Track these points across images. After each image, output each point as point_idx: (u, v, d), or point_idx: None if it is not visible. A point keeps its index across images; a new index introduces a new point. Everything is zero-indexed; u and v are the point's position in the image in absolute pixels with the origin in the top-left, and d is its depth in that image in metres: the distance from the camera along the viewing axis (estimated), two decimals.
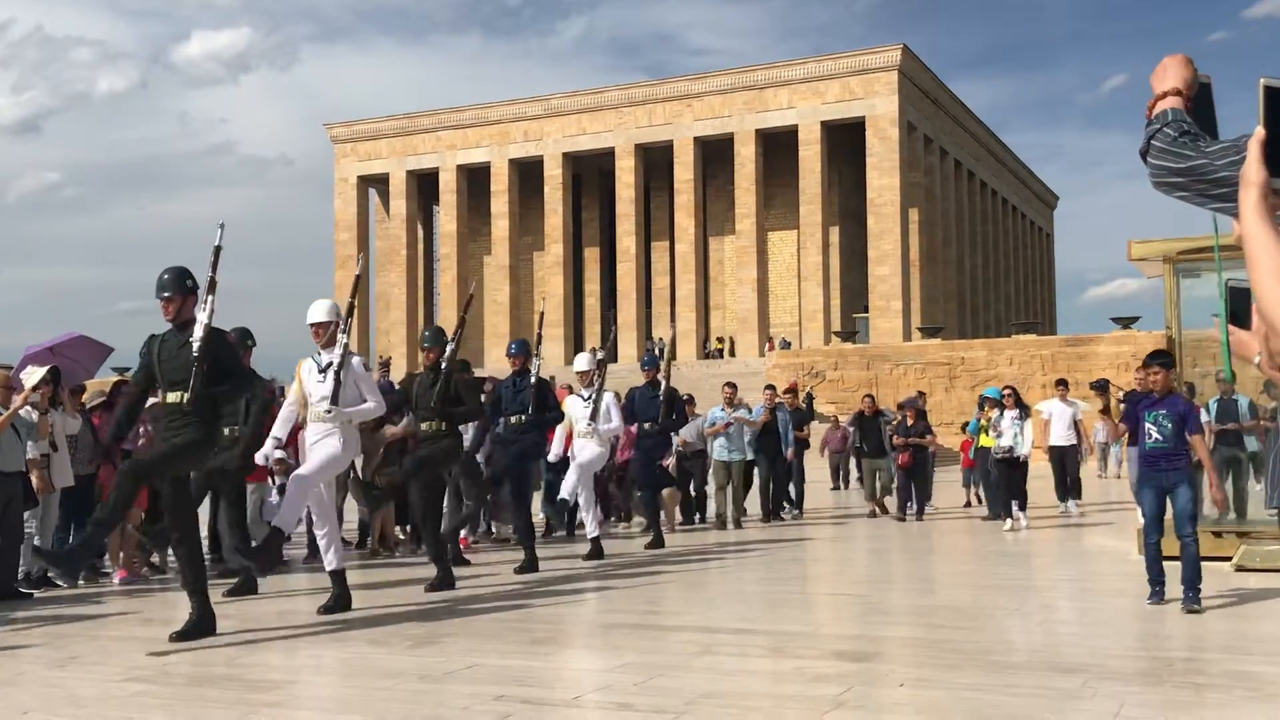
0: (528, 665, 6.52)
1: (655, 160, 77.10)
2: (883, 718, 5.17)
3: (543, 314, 14.62)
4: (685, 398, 17.68)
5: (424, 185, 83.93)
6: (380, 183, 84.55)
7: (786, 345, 65.12)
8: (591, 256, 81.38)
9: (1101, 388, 15.95)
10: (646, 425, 14.28)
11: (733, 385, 17.94)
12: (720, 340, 75.64)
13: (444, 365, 10.52)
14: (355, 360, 9.05)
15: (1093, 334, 49.36)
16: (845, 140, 73.18)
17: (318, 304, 9.17)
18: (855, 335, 60.57)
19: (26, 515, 10.77)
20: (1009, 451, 15.75)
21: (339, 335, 9.02)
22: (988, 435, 17.09)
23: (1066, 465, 18.13)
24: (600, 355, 13.53)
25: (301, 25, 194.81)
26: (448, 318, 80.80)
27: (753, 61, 74.23)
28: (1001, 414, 15.96)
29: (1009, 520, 15.42)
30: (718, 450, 17.07)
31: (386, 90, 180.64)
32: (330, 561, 8.92)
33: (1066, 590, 10.06)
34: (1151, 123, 2.54)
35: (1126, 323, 49.61)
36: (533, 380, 11.95)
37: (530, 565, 11.20)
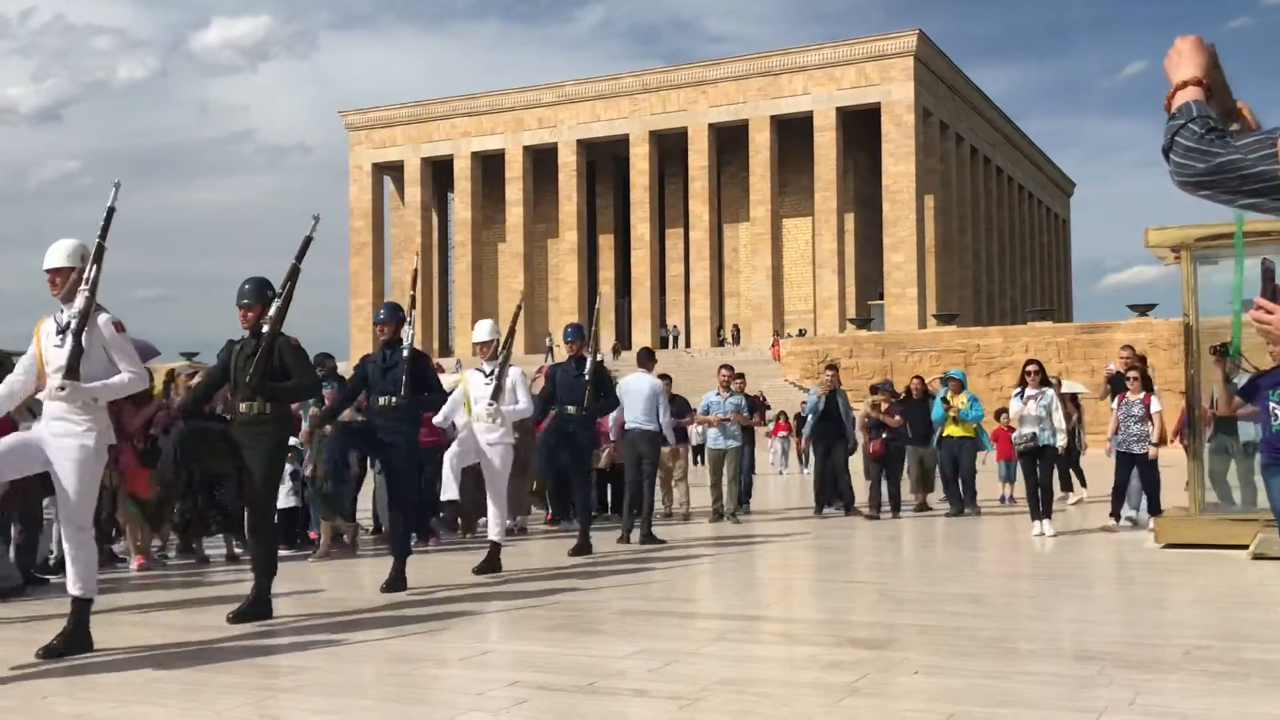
0: (542, 651, 6.54)
1: (670, 147, 76.98)
2: (897, 705, 5.17)
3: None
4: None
5: (439, 172, 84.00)
6: (395, 170, 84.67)
7: (801, 333, 64.96)
8: (606, 244, 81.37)
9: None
10: (571, 409, 11.99)
11: (729, 368, 16.85)
12: (734, 328, 75.53)
13: (265, 328, 7.93)
14: (103, 319, 6.71)
15: (1109, 321, 49.21)
16: (860, 126, 72.94)
17: (55, 246, 6.87)
18: (870, 322, 60.45)
19: (45, 502, 10.85)
20: (1031, 440, 13.31)
21: (81, 288, 6.71)
22: (955, 423, 15.90)
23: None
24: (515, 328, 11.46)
25: (321, 12, 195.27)
26: (462, 306, 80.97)
27: (770, 48, 73.89)
28: (1021, 394, 13.51)
29: (1036, 524, 13.20)
30: (711, 438, 16.29)
31: (405, 77, 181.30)
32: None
33: (1081, 578, 10.04)
34: (1174, 117, 2.41)
35: (1143, 310, 49.44)
36: (405, 352, 9.62)
37: (395, 582, 9.16)
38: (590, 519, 12.25)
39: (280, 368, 7.94)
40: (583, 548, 11.70)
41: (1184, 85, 2.45)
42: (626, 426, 13.60)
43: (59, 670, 6.22)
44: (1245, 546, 10.85)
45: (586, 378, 12.03)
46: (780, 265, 73.63)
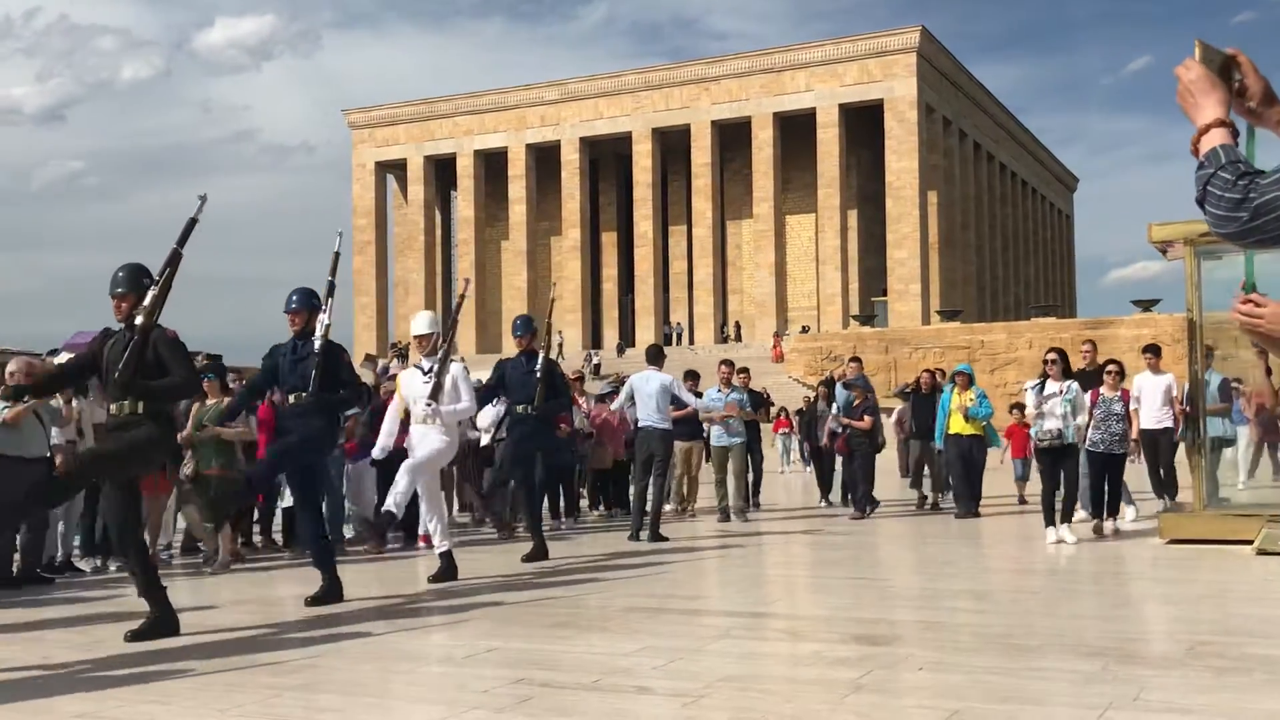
0: (547, 649, 6.55)
1: (672, 144, 76.93)
2: (901, 701, 5.17)
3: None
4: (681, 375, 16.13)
5: (441, 171, 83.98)
6: (398, 169, 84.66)
7: (805, 330, 64.92)
8: (609, 241, 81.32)
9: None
10: (520, 408, 11.31)
11: (729, 364, 16.44)
12: (736, 325, 75.51)
13: (139, 320, 7.28)
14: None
15: (1113, 316, 49.17)
16: (863, 123, 72.86)
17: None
18: (874, 319, 60.44)
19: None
20: (1056, 437, 12.11)
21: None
22: (965, 419, 15.21)
23: (1160, 453, 14.36)
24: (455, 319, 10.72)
25: (324, 11, 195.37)
26: (467, 305, 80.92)
27: (773, 45, 73.86)
28: (1042, 387, 12.40)
29: (1051, 530, 12.10)
30: (715, 435, 15.88)
31: (409, 76, 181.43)
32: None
33: (1086, 573, 10.04)
34: (1202, 165, 2.29)
35: (1147, 305, 49.41)
36: (317, 344, 8.68)
37: (327, 594, 8.49)
38: (541, 523, 11.63)
39: (155, 363, 7.19)
40: (538, 553, 11.01)
41: (1207, 129, 2.34)
42: (639, 424, 13.49)
43: (64, 670, 6.24)
44: (1249, 542, 10.84)
45: (537, 374, 11.30)
46: (784, 262, 73.57)
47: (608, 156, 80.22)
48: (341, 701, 5.38)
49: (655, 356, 13.94)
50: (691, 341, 73.70)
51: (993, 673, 5.67)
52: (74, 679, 5.95)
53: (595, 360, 56.02)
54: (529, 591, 8.97)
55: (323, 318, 8.68)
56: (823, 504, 17.85)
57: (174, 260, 7.32)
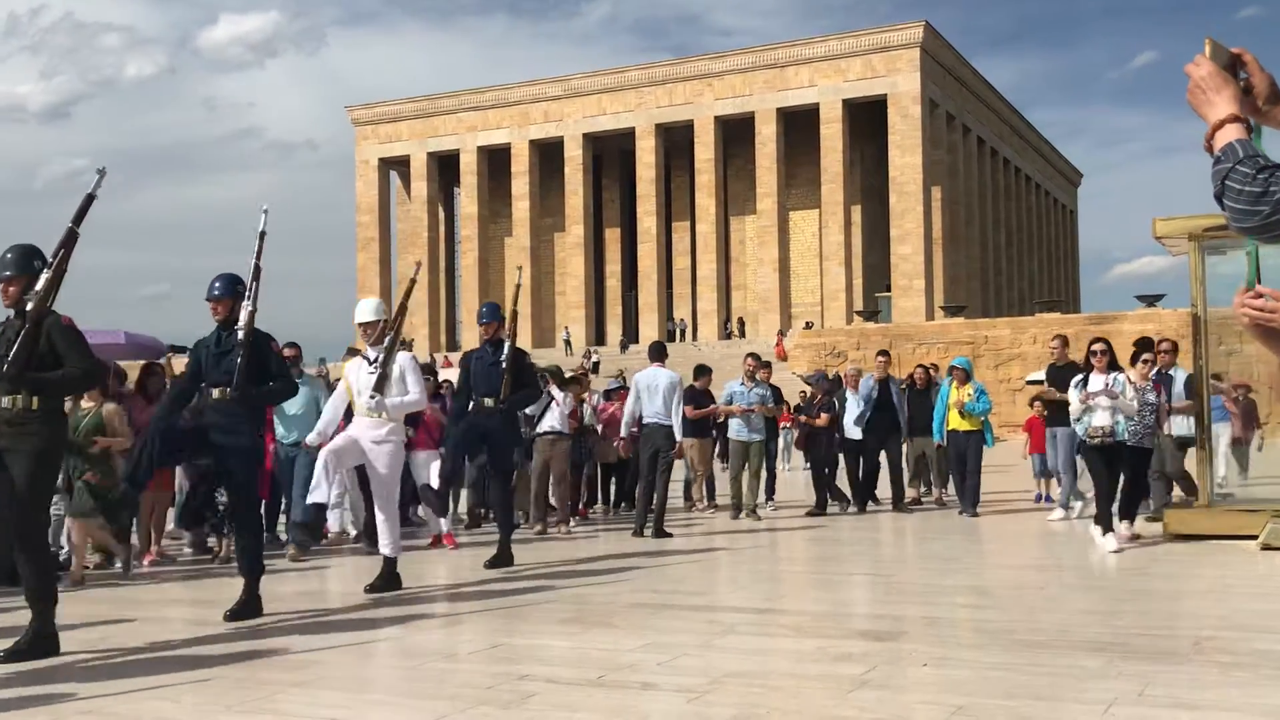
0: (551, 645, 6.55)
1: (676, 140, 76.89)
2: (906, 697, 5.17)
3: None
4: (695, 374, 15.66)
5: (445, 167, 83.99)
6: (401, 165, 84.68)
7: (809, 326, 64.91)
8: (612, 237, 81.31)
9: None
10: (488, 401, 10.52)
11: (755, 357, 15.84)
12: (739, 320, 75.49)
13: (30, 306, 6.66)
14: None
15: (1117, 311, 49.12)
16: (867, 118, 72.80)
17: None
18: (877, 315, 60.34)
19: (55, 499, 10.89)
20: (1108, 434, 11.08)
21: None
22: (963, 415, 14.76)
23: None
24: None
25: (328, 8, 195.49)
26: (469, 300, 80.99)
27: (778, 40, 73.78)
28: (1086, 381, 11.36)
29: (1111, 537, 10.99)
30: (734, 429, 15.27)
31: (412, 73, 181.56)
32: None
33: (1090, 569, 10.03)
34: (1219, 160, 2.28)
35: (1151, 300, 49.34)
36: (240, 334, 7.93)
37: (244, 609, 7.75)
38: (512, 526, 10.86)
39: (49, 354, 6.63)
40: (502, 559, 10.32)
41: (1221, 125, 2.33)
42: (645, 421, 13.39)
43: (69, 666, 6.24)
44: (1254, 537, 10.82)
45: (503, 365, 10.58)
46: (787, 258, 73.53)
47: (611, 152, 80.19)
48: (345, 698, 5.39)
49: (659, 353, 13.93)
50: (695, 338, 73.70)
51: (998, 668, 5.67)
52: (77, 675, 5.96)
53: (595, 358, 55.96)
54: (533, 587, 8.97)
55: (246, 304, 7.91)
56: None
57: (70, 240, 6.77)
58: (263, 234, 8.15)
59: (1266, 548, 10.50)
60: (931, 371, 17.57)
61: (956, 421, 14.88)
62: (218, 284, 8.07)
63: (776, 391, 16.92)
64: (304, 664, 6.18)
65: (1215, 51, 2.43)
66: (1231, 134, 2.30)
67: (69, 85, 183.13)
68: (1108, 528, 11.00)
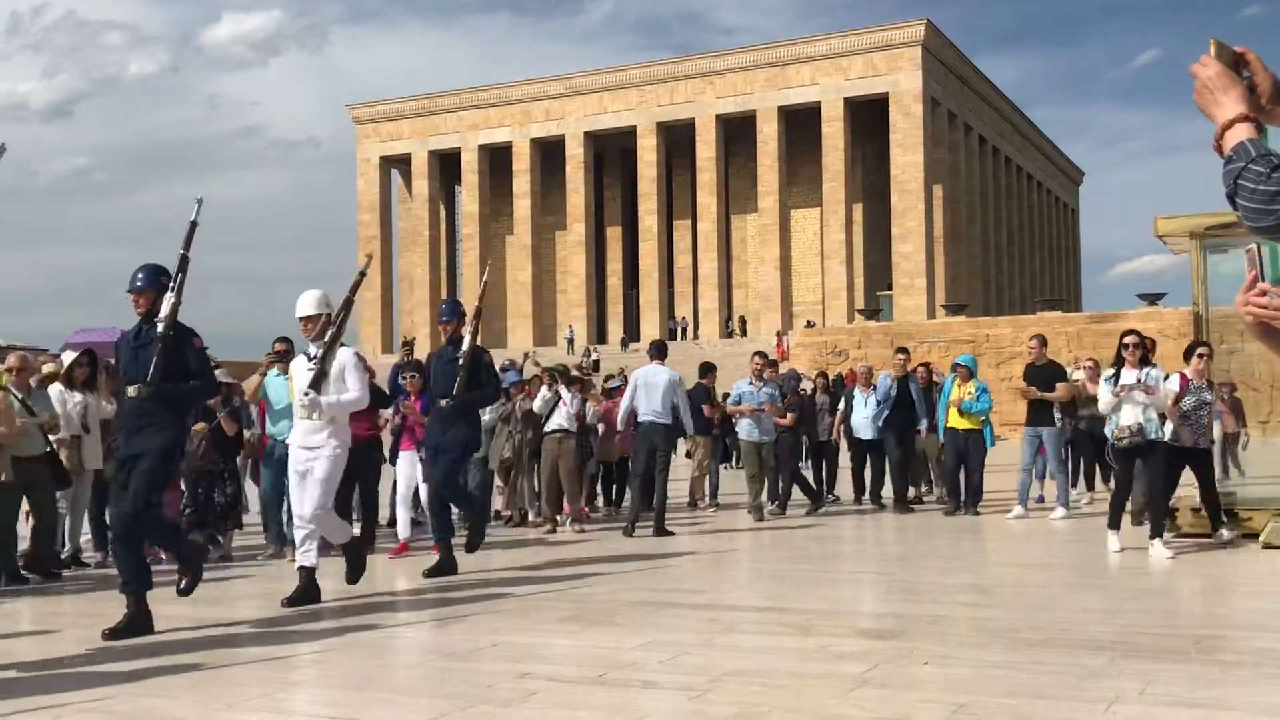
0: (553, 643, 6.55)
1: (677, 138, 76.86)
2: (908, 695, 5.16)
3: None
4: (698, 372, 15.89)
5: (446, 165, 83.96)
6: (402, 163, 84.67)
7: (810, 324, 64.90)
8: (613, 236, 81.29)
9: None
10: (443, 401, 9.98)
11: (763, 355, 15.48)
12: (740, 319, 75.48)
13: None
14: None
15: (1118, 310, 49.11)
16: (868, 117, 72.76)
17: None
18: (879, 313, 60.28)
19: (59, 495, 10.93)
20: (1136, 434, 10.29)
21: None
22: (961, 414, 14.52)
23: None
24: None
25: (331, 6, 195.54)
26: (470, 299, 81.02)
27: (781, 39, 73.74)
28: (1117, 377, 10.54)
29: (1113, 536, 10.49)
30: (744, 430, 14.89)
31: (415, 72, 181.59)
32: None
33: (1091, 568, 10.02)
34: (1230, 160, 2.25)
35: (1153, 299, 49.30)
36: (159, 329, 7.54)
37: (126, 628, 7.17)
38: (452, 533, 10.11)
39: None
40: (444, 567, 9.69)
41: (1231, 124, 2.30)
42: (641, 418, 13.36)
43: (71, 663, 6.25)
44: (1256, 536, 10.82)
45: (460, 363, 9.97)
46: (788, 256, 73.50)
47: (612, 151, 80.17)
48: (346, 696, 5.39)
49: (661, 351, 13.90)
50: (696, 336, 73.68)
51: (999, 667, 5.67)
52: (82, 672, 5.96)
53: (594, 356, 55.91)
54: (534, 586, 8.97)
55: (169, 297, 7.56)
56: (830, 498, 17.64)
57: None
58: (194, 224, 7.80)
59: (1268, 546, 10.49)
60: (932, 369, 17.43)
61: (955, 420, 14.70)
62: (140, 275, 7.70)
63: (790, 386, 16.51)
64: (304, 663, 6.18)
65: (1219, 51, 2.43)
66: (1242, 133, 2.28)
67: (71, 84, 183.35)
68: (1114, 525, 10.57)
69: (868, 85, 70.37)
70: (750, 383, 15.03)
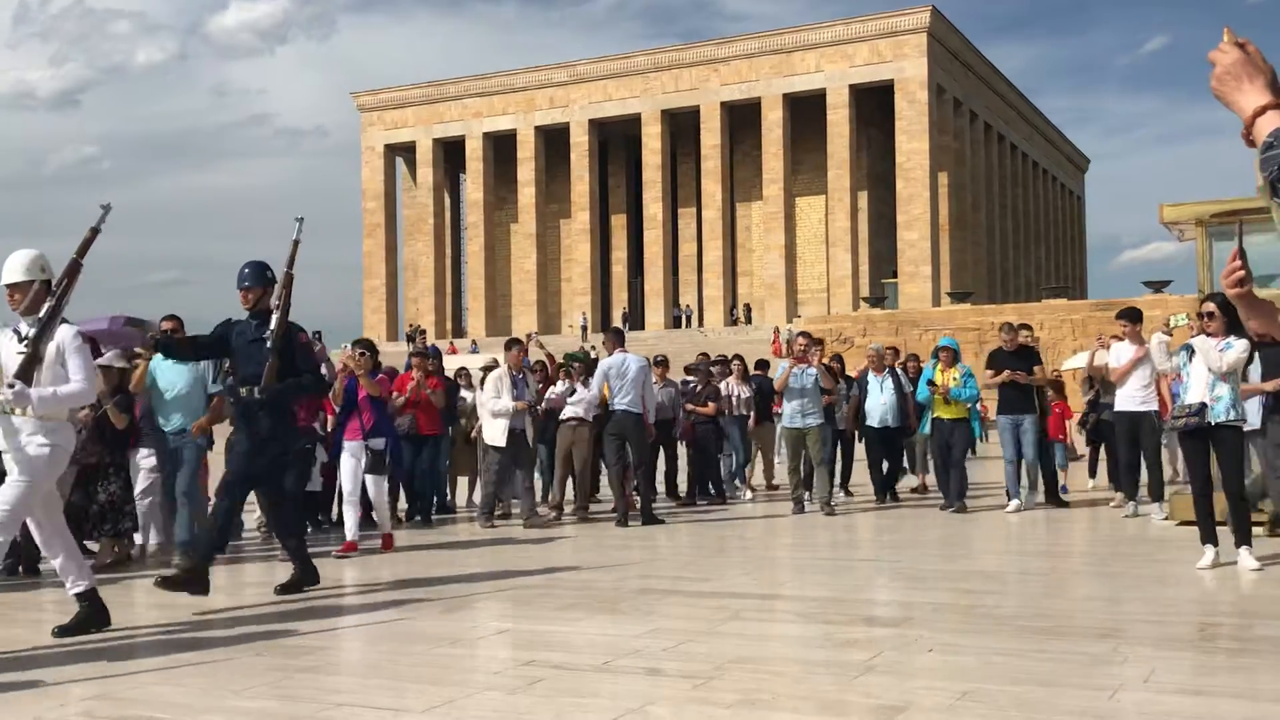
0: (557, 630, 6.56)
1: (682, 126, 76.76)
2: (912, 683, 5.17)
3: (297, 242, 8.28)
4: (657, 359, 15.16)
5: (450, 153, 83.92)
6: (407, 151, 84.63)
7: (796, 326, 64.80)
8: (618, 223, 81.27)
9: None
10: (243, 391, 8.09)
11: (807, 335, 14.49)
12: (745, 307, 75.44)
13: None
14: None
15: (1124, 298, 49.02)
16: (874, 104, 72.62)
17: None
18: (884, 301, 60.25)
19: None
20: (1195, 415, 8.70)
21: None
22: (947, 403, 13.74)
23: (1142, 440, 12.48)
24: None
25: None
26: (475, 287, 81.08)
27: (786, 26, 73.56)
28: (1190, 350, 9.03)
29: (1210, 549, 8.81)
30: (787, 415, 13.74)
31: (422, 60, 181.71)
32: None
33: (1096, 556, 10.02)
34: (1271, 147, 2.24)
35: (1158, 286, 49.23)
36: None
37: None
38: (302, 541, 8.61)
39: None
40: (306, 577, 8.31)
41: (1262, 111, 2.29)
42: (614, 407, 12.98)
43: (76, 652, 6.26)
44: (1261, 524, 10.79)
45: (268, 343, 8.05)
46: (793, 244, 73.43)
47: (617, 138, 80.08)
48: (352, 683, 5.40)
49: (620, 338, 13.64)
50: (701, 324, 73.67)
51: (1003, 654, 5.67)
52: (87, 661, 5.98)
53: (592, 347, 55.79)
54: (539, 573, 8.98)
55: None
56: (839, 491, 17.24)
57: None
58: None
59: (1273, 534, 10.48)
60: (921, 362, 16.81)
61: (941, 409, 13.86)
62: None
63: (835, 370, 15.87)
64: (309, 649, 6.20)
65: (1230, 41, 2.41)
66: (1276, 120, 2.26)
67: (78, 72, 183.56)
68: (1209, 539, 8.86)
69: (873, 72, 70.22)
70: (792, 364, 13.78)
